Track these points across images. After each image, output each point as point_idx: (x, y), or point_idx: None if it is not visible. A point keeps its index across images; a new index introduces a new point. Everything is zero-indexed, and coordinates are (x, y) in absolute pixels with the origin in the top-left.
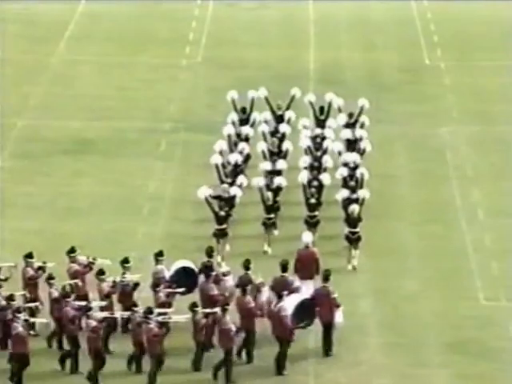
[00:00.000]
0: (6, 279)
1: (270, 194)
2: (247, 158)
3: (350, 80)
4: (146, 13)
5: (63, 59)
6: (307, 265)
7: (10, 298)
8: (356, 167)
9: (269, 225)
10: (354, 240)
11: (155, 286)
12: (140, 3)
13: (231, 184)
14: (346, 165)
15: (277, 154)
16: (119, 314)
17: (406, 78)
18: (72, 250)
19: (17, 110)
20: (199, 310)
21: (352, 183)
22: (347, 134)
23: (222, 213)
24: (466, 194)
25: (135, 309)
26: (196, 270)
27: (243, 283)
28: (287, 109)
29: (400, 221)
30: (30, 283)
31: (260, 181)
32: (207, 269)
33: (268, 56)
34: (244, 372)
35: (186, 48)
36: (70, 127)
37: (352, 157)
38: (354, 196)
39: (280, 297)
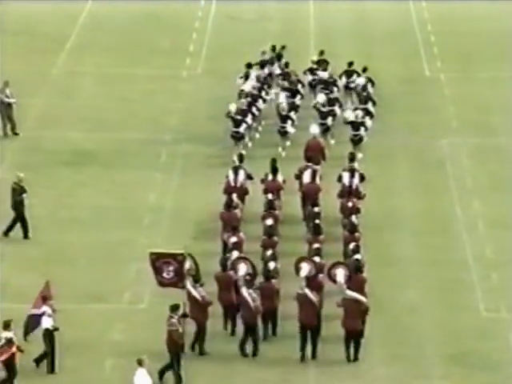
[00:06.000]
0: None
1: (285, 106)
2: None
3: None
4: (146, 24)
5: (64, 70)
6: (314, 153)
7: None
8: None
9: (282, 132)
10: (356, 141)
11: None
12: (141, 15)
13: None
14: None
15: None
16: None
17: (406, 89)
18: None
19: (17, 121)
20: None
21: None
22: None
23: (238, 117)
24: (467, 205)
25: None
26: None
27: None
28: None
29: (400, 232)
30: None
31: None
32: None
33: None
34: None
35: (186, 59)
36: (70, 138)
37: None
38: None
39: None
